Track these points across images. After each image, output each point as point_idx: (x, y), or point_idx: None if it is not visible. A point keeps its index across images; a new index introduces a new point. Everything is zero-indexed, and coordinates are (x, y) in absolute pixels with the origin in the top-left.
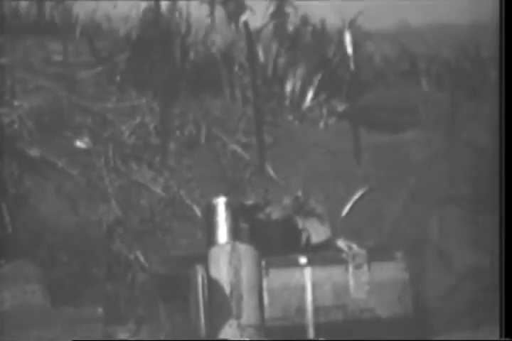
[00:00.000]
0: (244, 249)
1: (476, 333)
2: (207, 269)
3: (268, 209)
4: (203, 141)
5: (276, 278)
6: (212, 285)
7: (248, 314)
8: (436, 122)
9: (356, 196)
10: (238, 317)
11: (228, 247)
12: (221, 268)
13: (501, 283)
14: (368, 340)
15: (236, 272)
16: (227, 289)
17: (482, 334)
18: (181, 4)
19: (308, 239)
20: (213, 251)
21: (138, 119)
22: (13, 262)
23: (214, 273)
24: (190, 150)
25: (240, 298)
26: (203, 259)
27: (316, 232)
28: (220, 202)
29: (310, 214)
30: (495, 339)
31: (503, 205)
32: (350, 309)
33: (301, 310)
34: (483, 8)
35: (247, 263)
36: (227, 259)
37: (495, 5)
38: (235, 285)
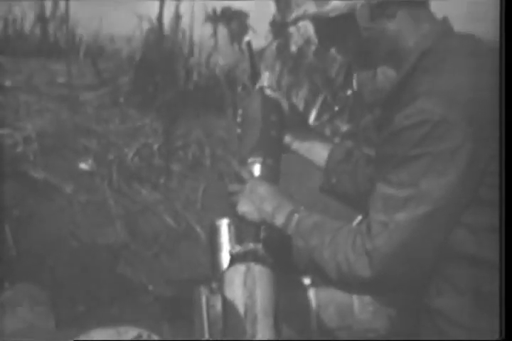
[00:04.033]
0: (259, 270)
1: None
2: (221, 290)
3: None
4: (206, 161)
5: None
6: (227, 306)
7: (263, 335)
8: None
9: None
10: (253, 337)
11: (243, 268)
12: (235, 289)
13: (501, 282)
14: None
15: (251, 293)
16: (241, 310)
17: (482, 334)
18: (184, 25)
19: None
20: (228, 272)
21: (141, 140)
22: (18, 285)
23: (228, 294)
24: (193, 171)
25: (255, 319)
26: (208, 281)
27: None
28: (224, 223)
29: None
30: (495, 339)
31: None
32: (355, 330)
33: (305, 331)
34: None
35: (262, 284)
36: (241, 280)
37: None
38: (250, 307)
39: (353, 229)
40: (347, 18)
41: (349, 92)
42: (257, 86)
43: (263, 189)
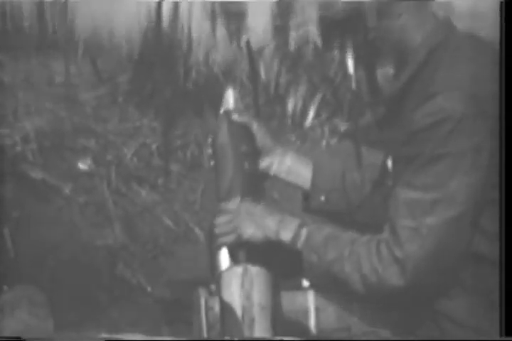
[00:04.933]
0: (256, 272)
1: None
2: (219, 292)
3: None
4: (205, 161)
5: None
6: (224, 308)
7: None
8: None
9: None
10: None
11: (240, 270)
12: (233, 291)
13: (501, 282)
14: None
15: (248, 295)
16: (239, 312)
17: (482, 335)
18: (183, 23)
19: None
20: (225, 274)
21: (140, 140)
22: (16, 287)
23: (226, 296)
24: (192, 171)
25: (252, 321)
26: (206, 283)
27: None
28: None
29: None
30: (495, 339)
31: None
32: (354, 331)
33: (304, 332)
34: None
35: (259, 286)
36: (238, 282)
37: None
38: (247, 308)
39: (373, 238)
40: (353, 19)
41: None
42: (222, 110)
43: (259, 208)
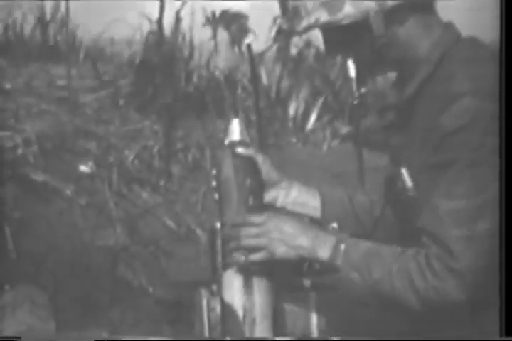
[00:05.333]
0: (257, 273)
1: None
2: (219, 293)
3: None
4: (206, 163)
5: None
6: (225, 309)
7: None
8: None
9: None
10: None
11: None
12: (234, 292)
13: (501, 282)
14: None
15: (249, 296)
16: (240, 313)
17: (482, 334)
18: (184, 27)
19: (310, 263)
20: (226, 275)
21: (141, 143)
22: (18, 287)
23: (227, 297)
24: (193, 173)
25: (253, 322)
26: (208, 284)
27: None
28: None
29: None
30: (495, 339)
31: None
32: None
33: (305, 333)
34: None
35: (260, 287)
36: (240, 283)
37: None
38: (248, 309)
39: (419, 251)
40: (359, 25)
41: (363, 90)
42: (227, 141)
43: (290, 225)
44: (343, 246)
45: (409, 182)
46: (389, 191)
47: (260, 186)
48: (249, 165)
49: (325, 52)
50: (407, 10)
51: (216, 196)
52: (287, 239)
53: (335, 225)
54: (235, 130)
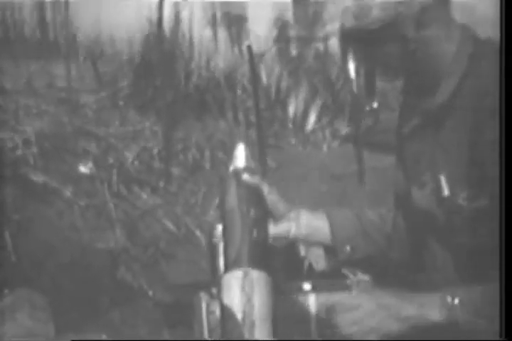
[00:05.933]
0: (257, 275)
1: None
2: (219, 296)
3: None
4: (206, 165)
5: (280, 304)
6: (225, 312)
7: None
8: None
9: None
10: None
11: (240, 273)
12: (233, 295)
13: (501, 282)
14: None
15: (249, 299)
16: (239, 316)
17: (482, 334)
18: (184, 28)
19: (310, 266)
20: (225, 278)
21: (141, 144)
22: (17, 290)
23: (226, 299)
24: (193, 174)
25: (253, 325)
26: (208, 286)
27: (316, 261)
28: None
29: (314, 242)
30: (495, 339)
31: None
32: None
33: (305, 336)
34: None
35: (259, 290)
36: (239, 286)
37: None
38: (248, 312)
39: None
40: (387, 29)
41: (375, 105)
42: (231, 168)
43: (390, 296)
44: (456, 300)
45: (446, 191)
46: (401, 205)
47: (265, 217)
48: (254, 194)
49: (341, 59)
50: (432, 11)
51: (220, 227)
52: (393, 313)
53: (348, 248)
54: (240, 156)
